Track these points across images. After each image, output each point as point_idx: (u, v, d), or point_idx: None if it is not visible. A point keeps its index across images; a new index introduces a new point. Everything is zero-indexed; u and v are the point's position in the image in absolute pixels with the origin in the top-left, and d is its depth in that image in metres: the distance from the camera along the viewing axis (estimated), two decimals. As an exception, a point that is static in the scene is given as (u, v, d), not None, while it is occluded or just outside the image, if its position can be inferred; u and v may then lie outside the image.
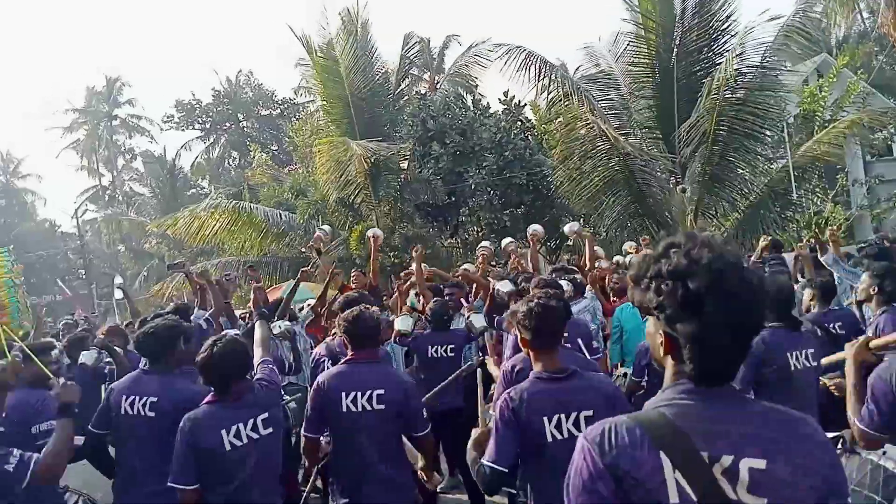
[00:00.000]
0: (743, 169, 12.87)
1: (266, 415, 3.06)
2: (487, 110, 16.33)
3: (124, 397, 3.43)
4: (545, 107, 15.30)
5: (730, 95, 11.55)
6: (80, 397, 3.27)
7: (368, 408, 3.28)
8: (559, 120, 14.00)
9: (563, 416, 2.55)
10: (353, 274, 8.09)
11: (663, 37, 12.72)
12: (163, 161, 34.19)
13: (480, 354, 5.09)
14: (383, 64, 18.16)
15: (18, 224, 40.77)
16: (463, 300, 6.65)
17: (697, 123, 11.90)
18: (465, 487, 5.05)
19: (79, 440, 3.39)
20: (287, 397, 5.08)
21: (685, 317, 1.26)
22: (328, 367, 4.11)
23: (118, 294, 7.13)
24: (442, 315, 5.39)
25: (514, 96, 15.70)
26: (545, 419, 2.54)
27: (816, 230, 11.72)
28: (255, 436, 3.00)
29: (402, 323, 5.29)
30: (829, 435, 2.59)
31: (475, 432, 2.70)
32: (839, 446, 2.67)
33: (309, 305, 6.94)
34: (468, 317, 5.31)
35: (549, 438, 2.53)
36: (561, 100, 13.30)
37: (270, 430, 3.07)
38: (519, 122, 15.62)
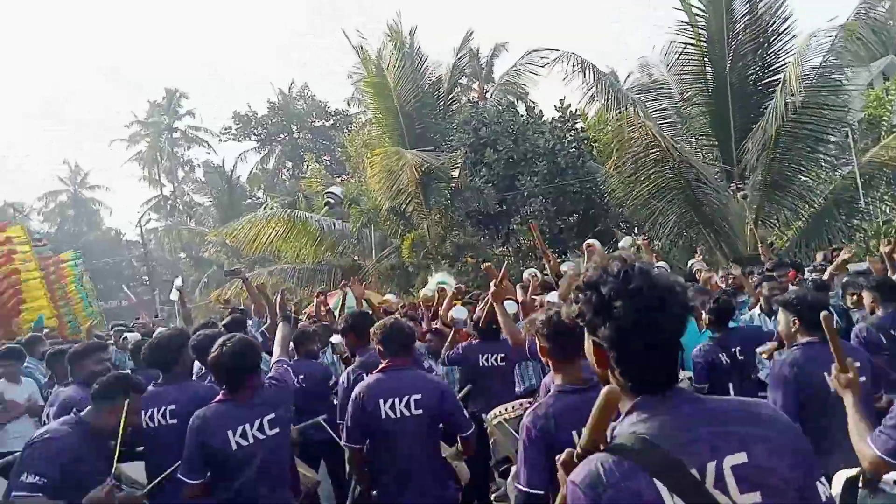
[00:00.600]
0: (805, 176, 12.47)
1: (273, 415, 3.08)
2: (540, 118, 16.30)
3: (143, 413, 3.48)
4: (596, 114, 15.18)
5: (791, 100, 11.21)
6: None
7: (407, 413, 3.30)
8: (611, 128, 13.89)
9: None
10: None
11: (715, 42, 12.48)
12: (221, 171, 35.27)
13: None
14: (433, 74, 18.35)
15: (87, 233, 42.69)
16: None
17: (759, 129, 11.59)
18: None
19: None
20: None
21: (600, 321, 1.34)
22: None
23: (174, 295, 7.37)
24: (491, 324, 5.31)
25: (569, 104, 15.64)
26: (574, 433, 2.43)
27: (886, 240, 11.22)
28: (261, 436, 3.03)
29: (458, 312, 5.30)
30: (851, 472, 2.45)
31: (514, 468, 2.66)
32: (860, 484, 2.44)
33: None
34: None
35: None
36: (613, 108, 13.17)
37: (277, 430, 3.08)
38: (573, 130, 15.52)
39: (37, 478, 2.79)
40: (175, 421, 3.41)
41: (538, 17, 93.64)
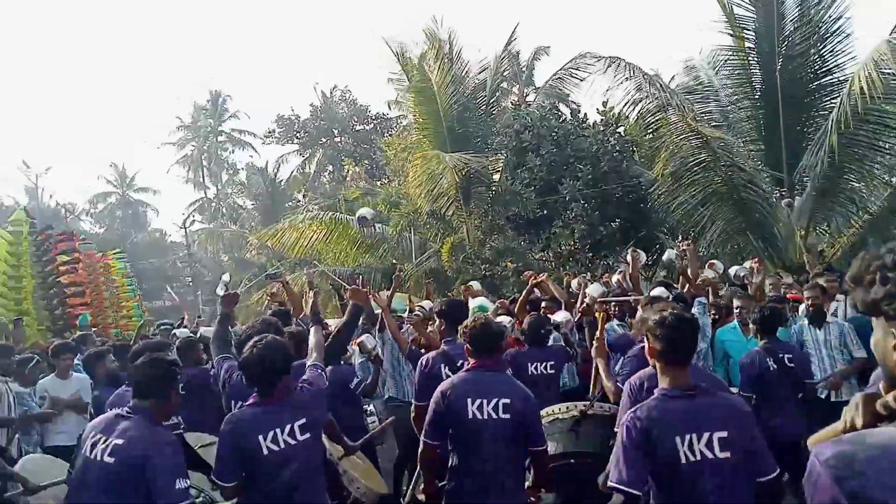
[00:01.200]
0: (858, 182, 12.04)
1: (304, 420, 3.03)
2: (584, 121, 16.13)
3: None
4: (638, 118, 14.93)
5: (847, 105, 10.84)
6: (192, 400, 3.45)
7: (494, 416, 3.24)
8: (653, 132, 13.66)
9: (694, 435, 2.40)
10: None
11: (764, 44, 12.17)
12: (264, 173, 35.83)
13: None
14: (475, 77, 18.34)
15: (134, 234, 43.85)
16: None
17: (813, 133, 11.26)
18: None
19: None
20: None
21: None
22: (446, 374, 4.06)
23: (220, 290, 7.46)
24: (539, 330, 5.24)
25: (612, 108, 15.43)
26: (678, 439, 2.40)
27: None
28: (292, 441, 2.98)
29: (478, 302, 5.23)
30: None
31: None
32: None
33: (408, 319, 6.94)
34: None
35: (683, 459, 2.39)
36: (660, 110, 12.95)
37: (308, 435, 3.03)
38: (617, 134, 15.32)
39: None
40: None
41: (579, 20, 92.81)
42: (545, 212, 14.46)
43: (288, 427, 2.98)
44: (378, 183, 23.71)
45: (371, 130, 35.27)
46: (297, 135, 36.81)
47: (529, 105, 19.61)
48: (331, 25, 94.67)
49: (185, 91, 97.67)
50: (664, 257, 6.89)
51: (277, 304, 7.02)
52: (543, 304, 6.55)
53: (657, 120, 13.21)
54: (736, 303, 5.78)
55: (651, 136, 14.16)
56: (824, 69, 12.20)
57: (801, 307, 5.91)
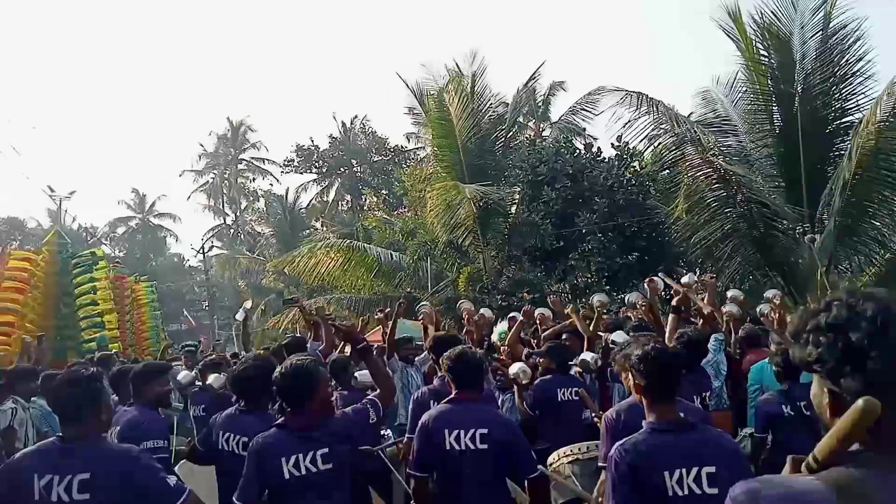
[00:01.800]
0: (881, 221, 11.95)
1: (327, 450, 2.94)
2: (598, 155, 16.21)
3: (221, 433, 3.56)
4: (656, 152, 14.95)
5: (868, 142, 10.82)
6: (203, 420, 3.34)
7: (472, 447, 3.22)
8: (673, 165, 13.65)
9: (684, 470, 2.37)
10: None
11: (784, 81, 12.20)
12: (283, 201, 36.23)
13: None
14: (494, 111, 18.57)
15: (153, 258, 44.38)
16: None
17: (832, 171, 11.21)
18: None
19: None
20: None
21: (847, 371, 1.17)
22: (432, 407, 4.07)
23: (240, 316, 7.50)
24: (562, 356, 5.21)
25: (626, 142, 15.50)
26: (666, 474, 2.36)
27: None
28: (313, 469, 2.91)
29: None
30: None
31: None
32: None
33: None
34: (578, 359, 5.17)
35: (671, 494, 2.36)
36: (677, 147, 12.96)
37: (330, 466, 2.94)
38: (632, 168, 15.38)
39: None
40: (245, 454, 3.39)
41: (594, 55, 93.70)
42: (561, 244, 14.46)
43: (311, 454, 2.92)
44: (395, 213, 23.89)
45: (389, 161, 35.66)
46: (316, 164, 37.29)
47: (545, 139, 19.77)
48: (350, 57, 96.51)
49: (205, 119, 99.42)
50: (683, 280, 6.73)
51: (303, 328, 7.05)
52: (565, 335, 6.51)
53: (675, 155, 13.22)
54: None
55: (669, 170, 14.17)
56: (844, 108, 12.20)
57: None
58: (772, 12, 12.13)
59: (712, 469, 2.37)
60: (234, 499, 3.00)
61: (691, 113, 14.74)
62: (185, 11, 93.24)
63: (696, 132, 12.85)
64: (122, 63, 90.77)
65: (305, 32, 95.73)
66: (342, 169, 37.49)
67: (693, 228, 12.38)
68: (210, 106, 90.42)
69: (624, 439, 2.52)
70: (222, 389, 5.32)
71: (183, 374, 5.38)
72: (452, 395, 3.43)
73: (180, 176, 46.76)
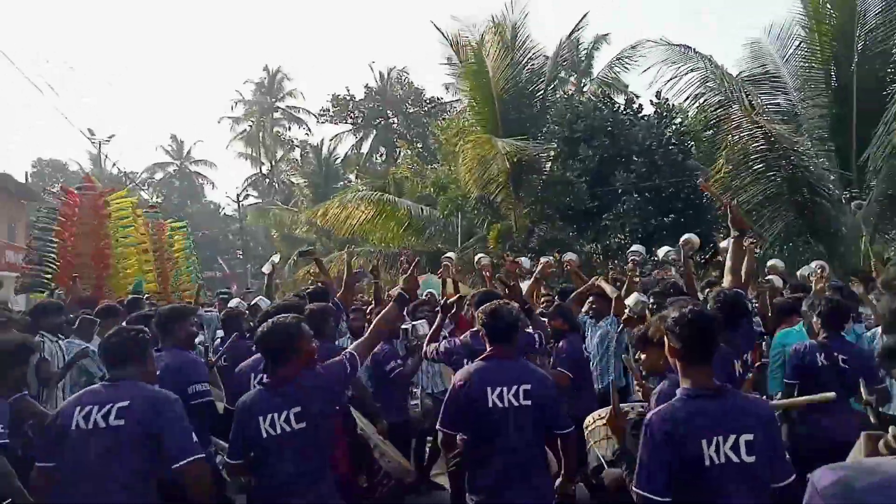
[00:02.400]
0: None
1: (299, 409, 2.89)
2: (639, 112, 15.68)
3: (253, 375, 3.59)
4: (700, 110, 14.35)
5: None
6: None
7: (516, 403, 3.17)
8: (717, 125, 13.12)
9: (720, 438, 2.30)
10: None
11: (842, 38, 11.52)
12: (317, 152, 36.24)
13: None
14: (533, 64, 18.02)
15: (190, 205, 45.09)
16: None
17: (885, 134, 10.64)
18: None
19: None
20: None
21: None
22: (465, 364, 4.00)
23: (267, 269, 7.51)
24: (573, 318, 5.41)
25: (666, 99, 14.92)
26: (703, 441, 2.30)
27: None
28: (287, 428, 2.88)
29: (633, 300, 5.10)
30: None
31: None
32: None
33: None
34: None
35: (707, 462, 2.29)
36: (722, 106, 12.42)
37: (304, 425, 2.89)
38: (673, 126, 14.85)
39: None
40: None
41: (644, 4, 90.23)
42: (596, 203, 14.15)
43: (285, 413, 2.89)
44: (429, 167, 23.65)
45: (425, 113, 35.24)
46: (351, 114, 37.05)
47: (585, 95, 19.20)
48: (390, 4, 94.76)
49: (243, 67, 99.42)
50: (721, 245, 6.44)
51: (319, 282, 7.00)
52: (591, 298, 6.37)
53: (720, 114, 12.69)
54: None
55: (712, 130, 13.65)
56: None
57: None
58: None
59: (750, 437, 2.31)
60: (225, 458, 3.07)
61: (741, 72, 14.04)
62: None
63: (743, 91, 12.29)
64: (159, 5, 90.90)
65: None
66: (378, 120, 37.21)
67: (734, 191, 11.95)
68: (247, 53, 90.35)
69: (658, 407, 2.48)
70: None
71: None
72: (488, 352, 3.35)
73: (219, 122, 47.09)
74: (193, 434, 2.84)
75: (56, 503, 2.80)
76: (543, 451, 3.33)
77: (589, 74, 25.57)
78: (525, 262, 8.26)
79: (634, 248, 6.98)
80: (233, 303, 8.15)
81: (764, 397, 4.50)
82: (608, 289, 6.07)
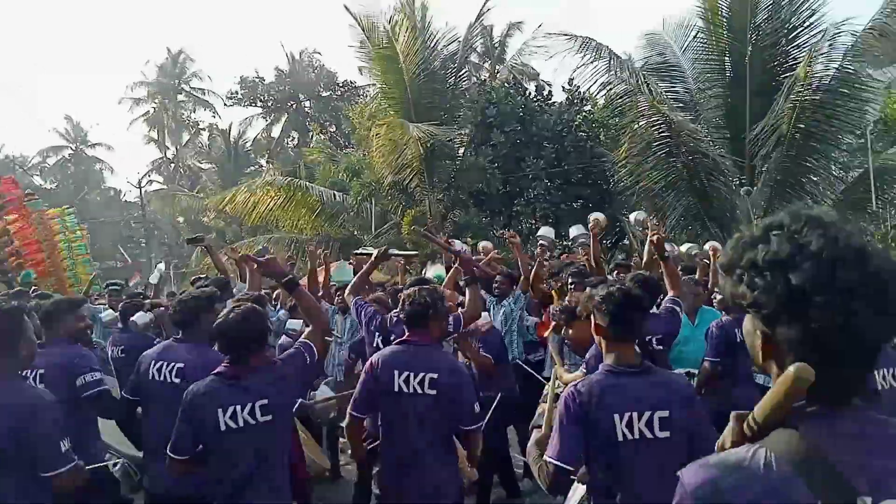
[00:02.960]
0: (816, 175, 12.21)
1: (266, 401, 2.79)
2: (549, 99, 15.97)
3: (153, 363, 3.45)
4: (606, 99, 14.75)
5: (807, 97, 10.91)
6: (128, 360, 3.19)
7: (420, 391, 3.14)
8: (622, 113, 13.53)
9: (635, 414, 2.35)
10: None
11: (736, 30, 12.12)
12: (226, 136, 34.89)
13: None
14: (444, 48, 17.93)
15: (87, 191, 42.38)
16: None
17: (772, 124, 11.30)
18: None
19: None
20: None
21: (786, 318, 1.02)
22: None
23: (154, 279, 7.18)
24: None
25: (577, 86, 15.27)
26: (616, 416, 2.35)
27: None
28: (252, 421, 2.76)
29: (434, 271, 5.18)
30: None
31: (536, 433, 2.56)
32: None
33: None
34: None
35: (620, 438, 2.35)
36: (627, 94, 12.80)
37: (270, 417, 2.79)
38: (582, 114, 15.22)
39: None
40: (178, 380, 3.31)
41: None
42: (507, 189, 14.33)
43: (249, 406, 2.76)
44: (342, 152, 23.21)
45: (338, 98, 34.55)
46: (261, 98, 35.83)
47: (497, 81, 19.36)
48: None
49: (145, 47, 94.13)
50: (631, 217, 6.60)
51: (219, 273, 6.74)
52: (498, 278, 6.40)
53: (624, 102, 13.09)
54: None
55: (618, 117, 14.07)
56: (793, 62, 12.24)
57: None
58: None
59: (665, 413, 2.35)
60: (167, 451, 2.84)
61: (645, 59, 14.47)
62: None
63: (644, 79, 12.72)
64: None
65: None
66: (289, 104, 36.15)
67: (637, 177, 12.40)
68: (150, 32, 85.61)
69: (578, 381, 2.51)
70: (146, 329, 5.02)
71: (140, 316, 4.98)
72: (405, 337, 3.34)
73: (119, 103, 44.36)
74: (60, 440, 2.64)
75: None
76: (447, 439, 3.29)
77: (502, 61, 25.85)
78: (458, 244, 8.21)
79: (542, 231, 7.07)
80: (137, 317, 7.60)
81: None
82: (522, 263, 6.10)
